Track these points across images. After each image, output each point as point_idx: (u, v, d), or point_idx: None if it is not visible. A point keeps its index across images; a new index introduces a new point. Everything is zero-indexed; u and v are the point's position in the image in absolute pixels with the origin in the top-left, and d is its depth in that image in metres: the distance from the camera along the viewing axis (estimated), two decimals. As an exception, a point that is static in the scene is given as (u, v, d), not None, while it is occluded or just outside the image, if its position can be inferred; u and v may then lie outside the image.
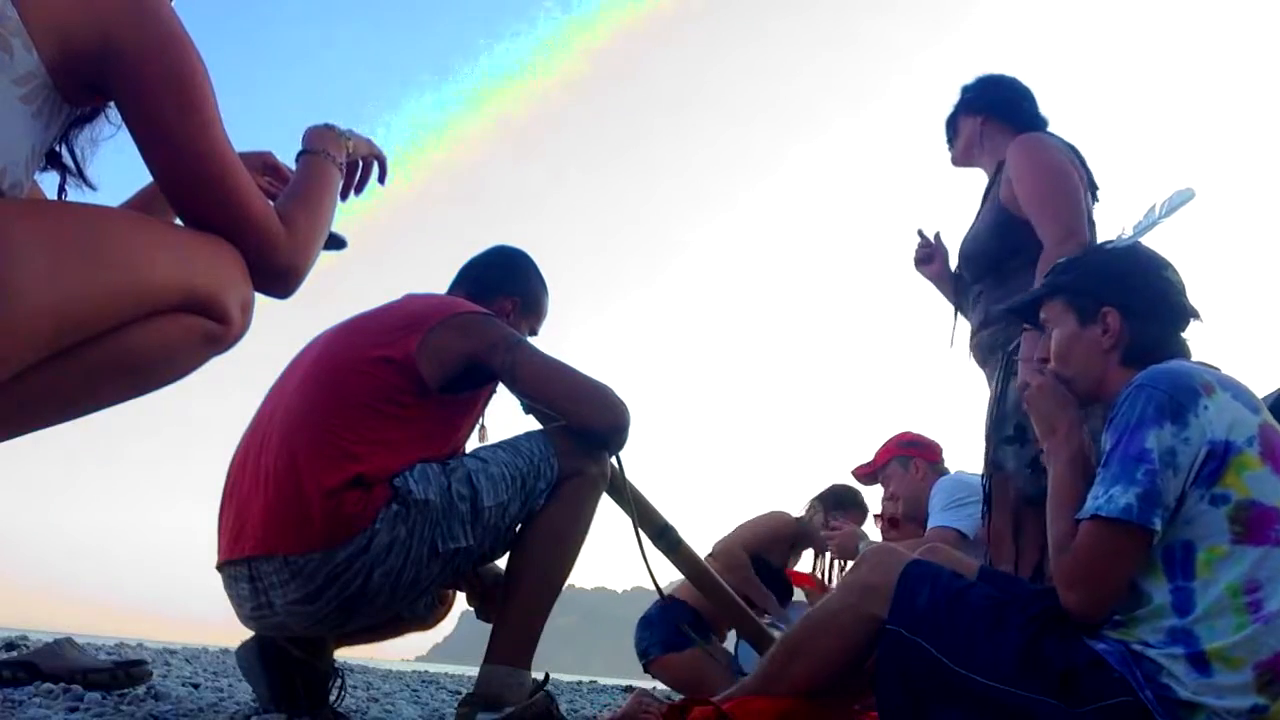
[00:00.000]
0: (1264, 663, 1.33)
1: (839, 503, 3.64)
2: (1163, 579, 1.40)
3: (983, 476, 2.57)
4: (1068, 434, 1.60)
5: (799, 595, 3.73)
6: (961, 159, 2.74)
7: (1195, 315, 1.63)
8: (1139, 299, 1.61)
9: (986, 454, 2.49)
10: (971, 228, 2.62)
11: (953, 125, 2.76)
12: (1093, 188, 2.55)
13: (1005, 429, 2.39)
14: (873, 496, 3.70)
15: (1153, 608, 1.40)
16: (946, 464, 3.52)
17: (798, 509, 3.83)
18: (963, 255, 2.63)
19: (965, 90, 2.74)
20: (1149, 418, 1.41)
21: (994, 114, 2.64)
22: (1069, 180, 2.38)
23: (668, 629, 3.30)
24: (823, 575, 3.67)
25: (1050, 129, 2.62)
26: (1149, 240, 1.75)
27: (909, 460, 3.52)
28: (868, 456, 3.68)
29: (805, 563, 3.83)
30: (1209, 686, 1.34)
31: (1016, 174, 2.46)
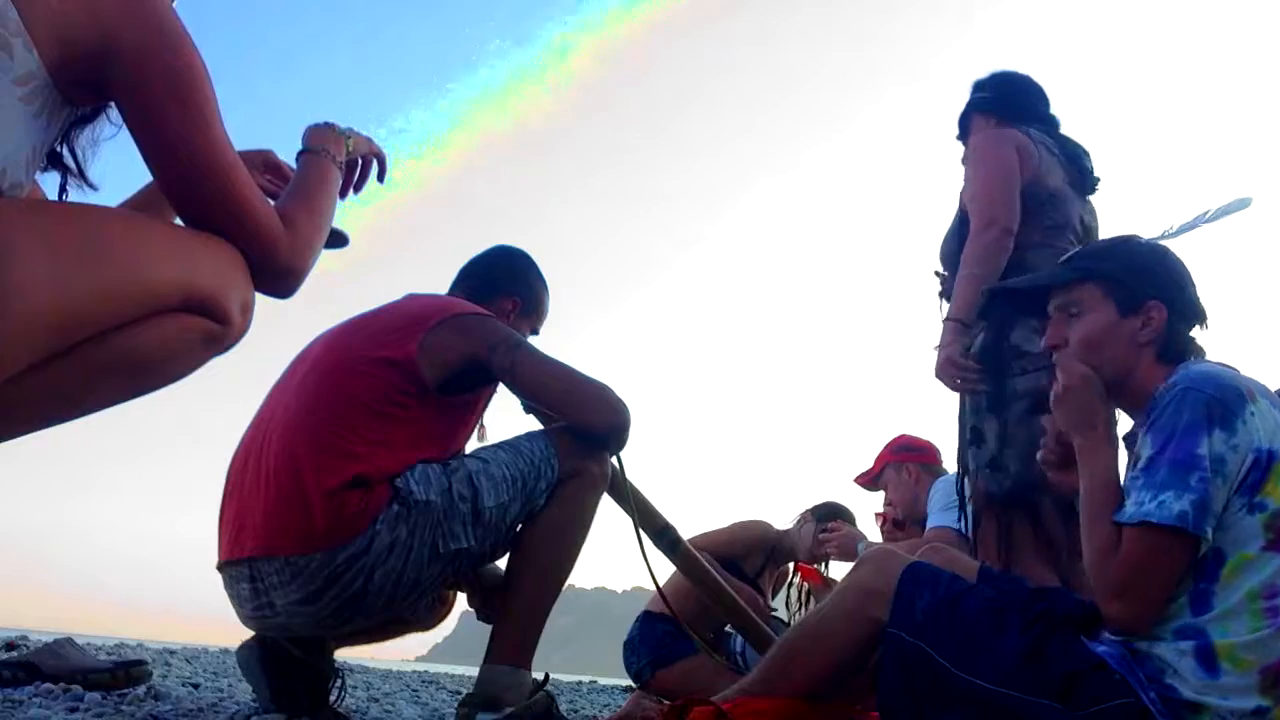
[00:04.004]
0: (1270, 667, 1.33)
1: (830, 516, 3.64)
2: (1189, 581, 1.39)
3: (956, 478, 2.61)
4: (1107, 431, 1.53)
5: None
6: None
7: (1206, 319, 1.63)
8: (1181, 297, 1.57)
9: (958, 456, 2.53)
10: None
11: (965, 124, 2.77)
12: (1084, 181, 2.56)
13: (966, 431, 2.42)
14: (876, 502, 3.71)
15: (1172, 607, 1.39)
16: (945, 465, 3.53)
17: (791, 513, 3.82)
18: (939, 254, 2.65)
19: (978, 88, 2.75)
20: (1198, 423, 1.37)
21: (1005, 115, 2.64)
22: (999, 171, 2.42)
23: (652, 647, 3.29)
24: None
25: (1060, 128, 2.64)
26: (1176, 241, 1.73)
27: (902, 466, 3.54)
28: (869, 460, 3.69)
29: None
30: (1213, 687, 1.33)
31: (966, 169, 2.54)
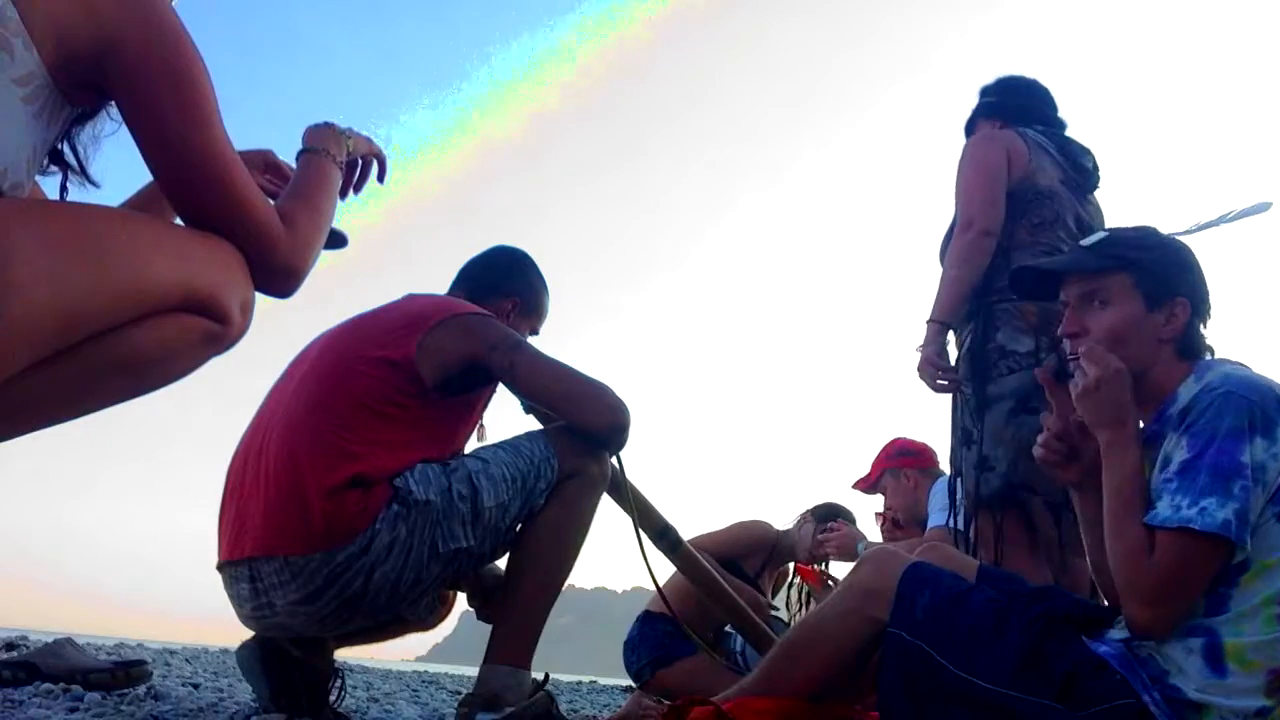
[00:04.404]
0: (1278, 670, 1.32)
1: (830, 516, 3.66)
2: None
3: (950, 479, 2.62)
4: (1135, 428, 1.48)
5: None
6: None
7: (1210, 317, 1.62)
8: (1202, 295, 1.56)
9: (951, 457, 2.55)
10: None
11: (971, 129, 2.78)
12: (1084, 180, 2.57)
13: (957, 431, 2.44)
14: (877, 502, 3.72)
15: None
16: (942, 467, 3.55)
17: (791, 513, 3.82)
18: (939, 256, 2.67)
19: (984, 93, 2.77)
20: (1241, 429, 1.35)
21: (1011, 119, 2.65)
22: (983, 173, 2.45)
23: (652, 647, 3.29)
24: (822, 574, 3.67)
25: (1067, 130, 2.66)
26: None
27: (900, 472, 3.56)
28: (868, 462, 3.70)
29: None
30: (1219, 686, 1.33)
31: (957, 173, 2.56)
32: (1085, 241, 1.65)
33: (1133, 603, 1.39)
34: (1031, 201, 2.44)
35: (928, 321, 2.43)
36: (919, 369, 2.42)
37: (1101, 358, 1.49)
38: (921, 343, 2.43)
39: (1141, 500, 1.42)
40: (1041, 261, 1.81)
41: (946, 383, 2.41)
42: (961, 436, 2.42)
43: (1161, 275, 1.54)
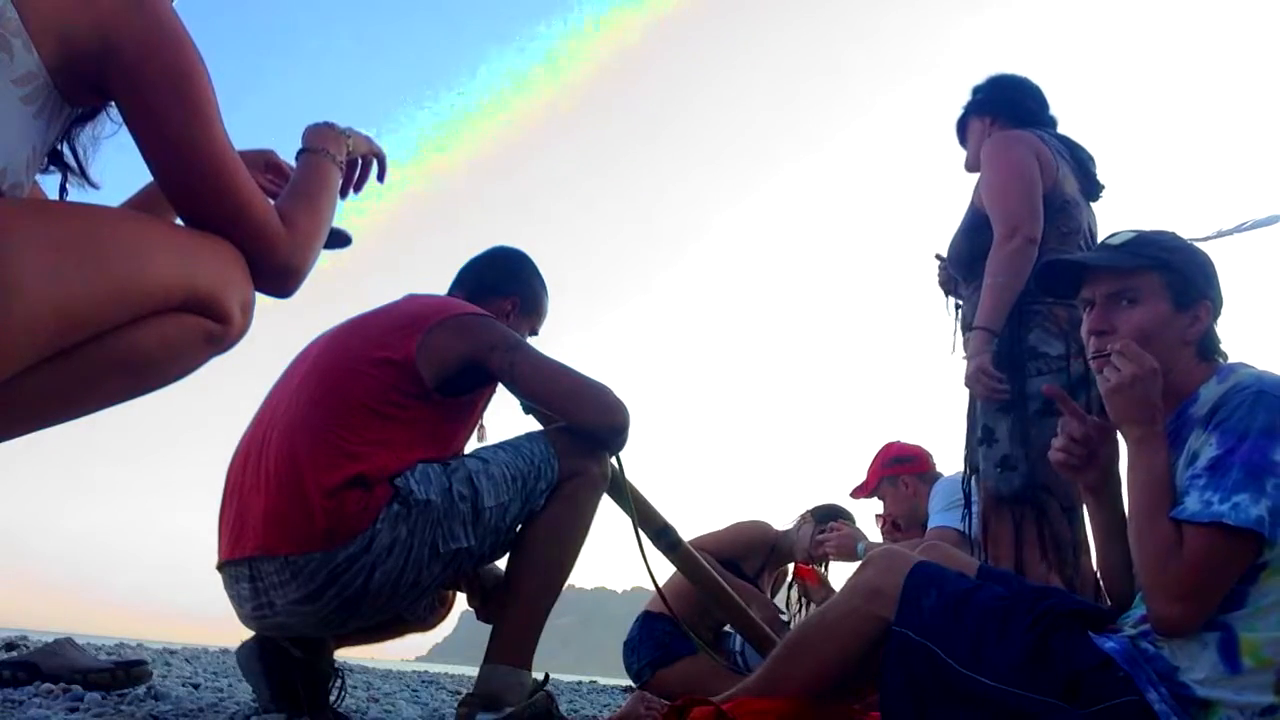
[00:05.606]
0: None
1: (829, 517, 3.66)
2: None
3: (963, 478, 2.61)
4: (1164, 427, 1.48)
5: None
6: (973, 163, 2.74)
7: None
8: (1221, 299, 1.57)
9: (966, 455, 2.53)
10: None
11: (963, 128, 2.78)
12: (1091, 188, 2.57)
13: (976, 430, 2.43)
14: (877, 503, 3.72)
15: None
16: (939, 469, 3.55)
17: (791, 514, 3.83)
18: (949, 259, 2.65)
19: (975, 91, 2.76)
20: (1274, 428, 1.36)
21: (1001, 115, 2.65)
22: (1021, 177, 2.41)
23: (652, 648, 3.29)
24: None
25: (1059, 128, 2.65)
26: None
27: (897, 479, 3.56)
28: (866, 463, 3.71)
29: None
30: (1229, 681, 1.33)
31: (982, 173, 2.53)
32: (1112, 240, 1.64)
33: (1160, 600, 1.38)
34: (1061, 210, 2.43)
35: (975, 329, 2.38)
36: (970, 378, 2.38)
37: (1137, 355, 1.48)
38: (969, 351, 2.39)
39: (1170, 498, 1.42)
40: (1074, 256, 1.79)
41: (1005, 391, 2.34)
42: (982, 434, 2.40)
43: (1190, 277, 1.55)
